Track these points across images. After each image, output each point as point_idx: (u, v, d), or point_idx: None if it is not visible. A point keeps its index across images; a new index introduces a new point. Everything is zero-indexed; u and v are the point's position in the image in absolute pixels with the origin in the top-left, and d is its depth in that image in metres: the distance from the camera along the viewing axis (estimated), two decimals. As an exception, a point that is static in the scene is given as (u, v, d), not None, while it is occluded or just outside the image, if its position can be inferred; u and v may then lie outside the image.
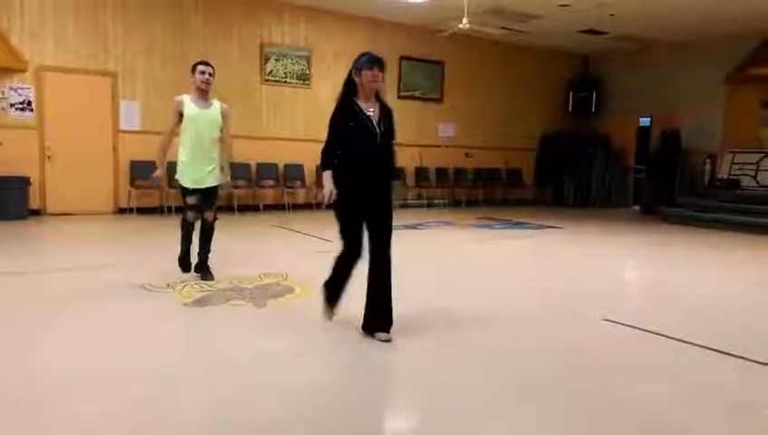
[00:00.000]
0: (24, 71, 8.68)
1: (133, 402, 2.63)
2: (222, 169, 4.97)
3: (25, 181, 8.56)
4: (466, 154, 13.09)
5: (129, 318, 3.99)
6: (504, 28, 11.22)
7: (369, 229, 3.54)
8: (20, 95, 8.72)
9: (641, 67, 13.41)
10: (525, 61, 13.68)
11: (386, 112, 3.57)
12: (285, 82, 10.90)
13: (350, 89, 3.49)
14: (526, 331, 3.92)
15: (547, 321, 4.17)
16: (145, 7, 9.53)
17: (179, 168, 4.88)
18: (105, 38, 9.27)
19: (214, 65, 5.01)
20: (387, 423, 2.71)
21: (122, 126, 9.41)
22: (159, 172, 4.88)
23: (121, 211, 9.48)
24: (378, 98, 3.57)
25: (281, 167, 10.79)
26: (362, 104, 3.49)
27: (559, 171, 13.79)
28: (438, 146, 12.75)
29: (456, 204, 12.69)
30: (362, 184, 3.47)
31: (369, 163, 3.48)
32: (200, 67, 4.86)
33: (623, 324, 4.03)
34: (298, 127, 11.00)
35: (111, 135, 9.38)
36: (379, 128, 3.49)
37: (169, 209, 9.38)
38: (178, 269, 5.05)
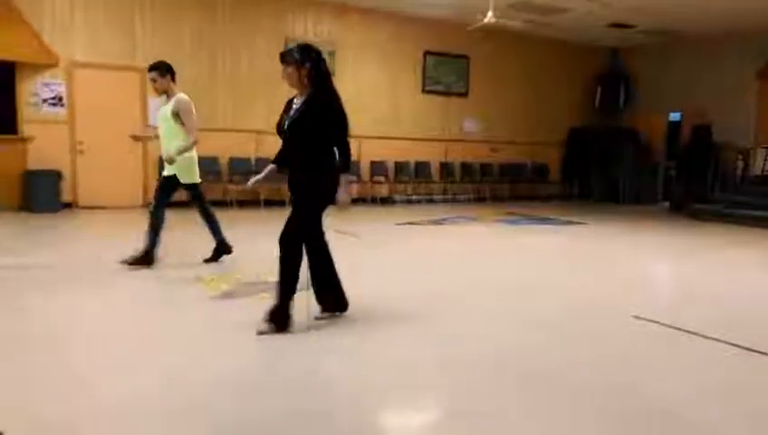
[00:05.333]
0: (55, 66, 8.86)
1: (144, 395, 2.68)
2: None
3: (57, 175, 8.74)
4: (492, 149, 12.99)
5: (157, 309, 4.06)
6: (529, 21, 11.10)
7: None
8: (51, 91, 8.90)
9: (671, 61, 13.13)
10: (552, 55, 13.50)
11: (304, 105, 3.58)
12: (310, 77, 10.92)
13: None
14: (553, 327, 3.87)
15: (575, 317, 4.12)
16: (173, 3, 9.64)
17: (194, 165, 5.12)
18: (134, 34, 9.40)
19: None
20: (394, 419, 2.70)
21: (151, 121, 9.54)
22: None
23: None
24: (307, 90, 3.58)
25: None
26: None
27: (586, 167, 13.61)
28: (464, 141, 12.68)
29: (481, 199, 12.61)
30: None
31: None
32: None
33: (654, 322, 3.96)
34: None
35: (141, 130, 9.52)
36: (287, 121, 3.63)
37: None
38: (205, 262, 5.17)
